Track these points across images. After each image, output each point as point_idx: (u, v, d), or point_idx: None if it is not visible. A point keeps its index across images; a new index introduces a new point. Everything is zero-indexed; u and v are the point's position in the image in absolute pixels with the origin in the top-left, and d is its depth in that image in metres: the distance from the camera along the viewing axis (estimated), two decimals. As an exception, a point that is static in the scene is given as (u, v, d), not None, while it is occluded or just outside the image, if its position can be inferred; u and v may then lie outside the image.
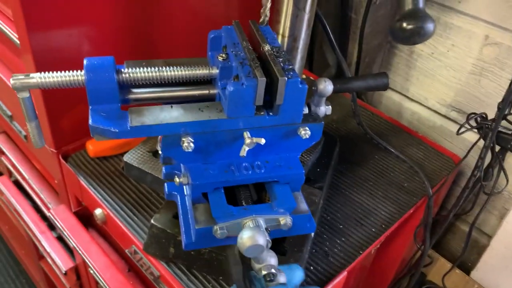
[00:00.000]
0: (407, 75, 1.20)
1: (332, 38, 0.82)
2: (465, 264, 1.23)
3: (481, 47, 1.02)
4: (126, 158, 0.77)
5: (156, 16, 0.93)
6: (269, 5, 0.63)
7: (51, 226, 1.16)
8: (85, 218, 0.99)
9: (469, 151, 0.92)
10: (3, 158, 1.30)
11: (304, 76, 1.15)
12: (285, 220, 0.61)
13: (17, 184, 1.27)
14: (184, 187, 0.65)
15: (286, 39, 0.77)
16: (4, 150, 1.25)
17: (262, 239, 0.55)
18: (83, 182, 0.93)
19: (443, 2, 1.05)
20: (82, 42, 0.87)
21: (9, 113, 1.10)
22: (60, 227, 0.96)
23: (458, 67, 1.09)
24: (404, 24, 0.57)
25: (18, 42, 0.83)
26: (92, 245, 0.92)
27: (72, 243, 0.93)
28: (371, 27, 1.08)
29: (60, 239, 1.15)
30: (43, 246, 1.15)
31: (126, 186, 0.91)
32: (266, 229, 0.58)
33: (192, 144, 0.55)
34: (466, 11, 1.02)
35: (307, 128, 0.60)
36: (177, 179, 0.59)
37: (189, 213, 0.64)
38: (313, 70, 1.29)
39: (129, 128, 0.53)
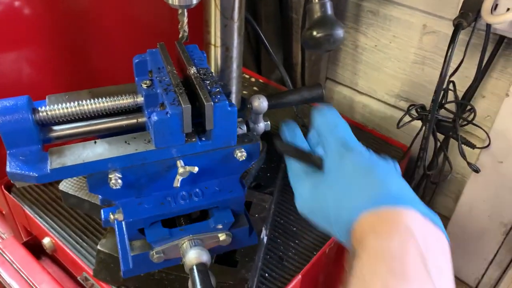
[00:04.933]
0: (355, 69, 1.20)
1: (268, 44, 0.81)
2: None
3: (421, 36, 1.03)
4: (62, 186, 0.74)
5: (94, 36, 0.90)
6: (185, 20, 0.61)
7: (9, 256, 1.12)
8: (36, 247, 0.96)
9: (413, 141, 0.94)
10: None
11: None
12: (224, 236, 0.60)
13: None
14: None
15: (219, 49, 0.76)
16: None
17: (206, 257, 0.54)
18: (28, 211, 0.90)
19: (381, -6, 1.05)
20: (17, 66, 0.84)
21: None
22: (10, 260, 0.92)
23: (402, 57, 1.09)
24: (314, 33, 0.56)
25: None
26: (44, 275, 0.89)
27: (24, 276, 0.90)
28: (312, 25, 1.07)
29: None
30: (3, 278, 1.11)
31: (73, 211, 0.88)
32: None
33: (120, 181, 0.53)
34: (402, 2, 1.03)
35: (242, 150, 0.58)
36: (111, 216, 0.57)
37: (126, 239, 0.62)
38: (262, 72, 1.28)
39: (49, 171, 0.51)
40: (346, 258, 0.49)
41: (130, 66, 0.72)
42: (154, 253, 0.57)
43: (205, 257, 0.53)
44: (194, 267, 0.52)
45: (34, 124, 0.52)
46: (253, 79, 1.23)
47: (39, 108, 0.54)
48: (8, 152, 0.52)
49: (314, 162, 0.53)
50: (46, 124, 0.55)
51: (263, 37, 0.82)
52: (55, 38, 0.85)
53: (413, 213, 0.44)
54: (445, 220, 1.19)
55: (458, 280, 1.17)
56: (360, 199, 0.47)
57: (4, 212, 1.03)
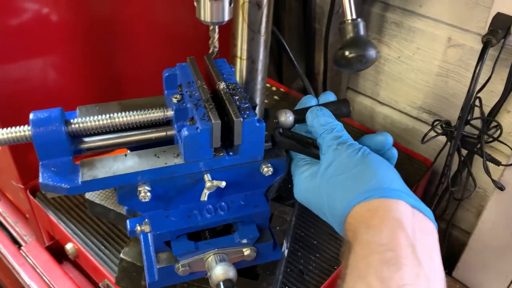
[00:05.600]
0: (376, 79, 1.19)
1: (292, 55, 0.81)
2: (447, 262, 1.24)
3: (445, 49, 1.02)
4: (88, 195, 0.75)
5: (121, 45, 0.92)
6: (216, 36, 0.62)
7: (30, 258, 1.14)
8: (59, 251, 0.97)
9: (436, 156, 0.93)
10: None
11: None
12: (249, 251, 0.60)
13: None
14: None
15: (244, 62, 0.76)
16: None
17: (232, 272, 0.55)
18: (52, 216, 0.91)
19: (405, 6, 1.04)
20: (44, 73, 0.86)
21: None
22: (33, 264, 0.94)
23: (425, 69, 1.09)
24: (347, 53, 0.57)
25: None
26: (65, 280, 0.91)
27: (46, 279, 0.91)
28: (335, 36, 1.06)
29: (40, 270, 1.13)
30: (23, 279, 1.13)
31: (96, 218, 0.90)
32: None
33: (149, 194, 0.53)
34: (427, 15, 1.02)
35: (269, 165, 0.59)
36: (138, 228, 0.58)
37: (152, 251, 0.63)
38: (283, 81, 1.28)
39: (80, 183, 0.51)
40: (342, 251, 0.50)
41: (156, 76, 0.73)
42: (180, 266, 0.57)
43: (231, 273, 0.53)
44: (221, 284, 0.52)
45: (66, 136, 0.53)
46: (274, 88, 1.24)
47: (72, 120, 0.55)
48: (40, 163, 0.53)
49: (312, 154, 0.59)
50: (77, 136, 0.56)
51: (288, 49, 0.82)
52: (82, 46, 0.87)
53: (401, 204, 0.47)
54: (466, 235, 1.18)
55: (478, 296, 1.16)
56: (351, 192, 0.49)
57: (28, 216, 1.05)
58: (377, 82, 1.20)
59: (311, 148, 0.60)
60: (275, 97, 1.21)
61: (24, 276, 1.12)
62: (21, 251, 0.96)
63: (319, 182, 0.54)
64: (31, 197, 0.94)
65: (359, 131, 1.14)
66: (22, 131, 0.53)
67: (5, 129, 0.53)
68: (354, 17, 0.57)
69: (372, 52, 0.55)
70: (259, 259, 0.62)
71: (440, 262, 0.46)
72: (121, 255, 0.74)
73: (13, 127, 0.53)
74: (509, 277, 1.06)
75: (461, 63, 1.01)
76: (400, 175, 0.53)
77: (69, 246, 0.88)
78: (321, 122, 0.59)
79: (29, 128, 0.52)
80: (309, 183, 0.56)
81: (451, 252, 1.23)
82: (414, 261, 0.42)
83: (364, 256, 0.44)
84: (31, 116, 0.53)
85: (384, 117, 1.24)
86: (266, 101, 1.19)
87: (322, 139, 0.58)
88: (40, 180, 0.52)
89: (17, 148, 0.87)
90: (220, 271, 0.53)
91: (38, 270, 0.92)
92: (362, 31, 0.57)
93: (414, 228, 0.45)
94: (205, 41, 0.66)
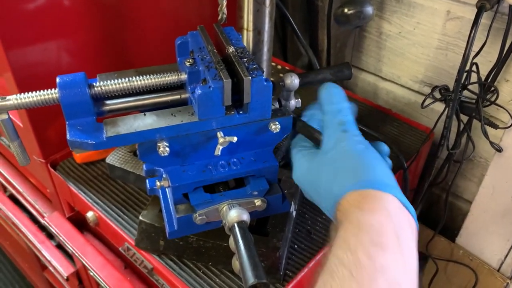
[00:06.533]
0: (379, 55, 1.23)
1: (296, 28, 0.85)
2: (452, 232, 1.28)
3: (444, 22, 1.06)
4: (109, 160, 0.80)
5: (129, 25, 0.96)
6: (225, 2, 0.66)
7: (50, 236, 1.20)
8: (79, 222, 1.03)
9: (436, 121, 0.97)
10: (-4, 175, 1.32)
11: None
12: (260, 202, 0.65)
13: (12, 198, 1.30)
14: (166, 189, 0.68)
15: (251, 33, 0.81)
16: (-3, 166, 1.28)
17: (246, 216, 0.60)
18: (73, 188, 0.96)
19: (405, -19, 1.08)
20: (59, 55, 0.90)
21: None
22: (56, 233, 1.00)
23: (425, 43, 1.12)
24: (346, 10, 0.61)
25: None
26: (87, 247, 0.96)
27: (68, 247, 0.97)
28: (338, 12, 1.10)
29: (59, 247, 1.19)
30: (43, 256, 1.19)
31: (114, 187, 0.95)
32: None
33: (167, 149, 0.58)
34: (426, -11, 1.05)
35: (277, 123, 0.63)
36: (158, 183, 0.63)
37: (171, 204, 0.68)
38: (288, 59, 1.32)
39: (105, 139, 0.56)
40: (330, 228, 0.55)
41: (163, 53, 0.77)
42: (197, 216, 0.62)
43: (245, 216, 0.58)
44: (235, 225, 0.57)
45: (90, 98, 0.58)
46: (279, 67, 1.28)
47: (94, 84, 0.60)
48: (67, 122, 0.58)
49: (317, 140, 0.61)
50: (99, 99, 0.61)
51: (291, 19, 0.86)
52: (92, 28, 0.91)
53: (392, 198, 0.52)
54: (468, 204, 1.22)
55: (481, 261, 1.20)
56: (349, 179, 0.54)
57: (48, 191, 1.11)
58: (380, 58, 1.24)
59: (319, 136, 0.62)
60: (280, 75, 1.25)
61: (45, 253, 1.18)
62: (44, 220, 1.01)
63: (320, 162, 0.59)
64: (52, 170, 1.00)
65: (364, 105, 1.18)
66: (50, 94, 0.58)
67: (34, 92, 0.58)
68: (352, -21, 0.62)
69: (369, 9, 0.59)
70: (270, 210, 0.67)
71: (417, 256, 0.50)
72: (140, 218, 0.80)
73: (42, 90, 0.58)
74: (511, 240, 1.10)
75: (460, 35, 1.05)
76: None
77: (89, 214, 0.94)
78: (333, 100, 0.62)
79: (56, 91, 0.57)
80: (310, 167, 0.60)
81: (455, 223, 1.27)
82: (397, 247, 0.47)
83: (354, 233, 0.48)
84: (57, 79, 0.58)
85: (387, 92, 1.28)
86: (271, 78, 1.24)
87: (330, 124, 0.61)
88: (68, 137, 0.57)
89: (37, 123, 0.94)
90: (234, 213, 0.58)
91: (61, 238, 0.97)
92: (359, -9, 0.61)
93: (400, 220, 0.50)
94: (209, 24, 0.69)
